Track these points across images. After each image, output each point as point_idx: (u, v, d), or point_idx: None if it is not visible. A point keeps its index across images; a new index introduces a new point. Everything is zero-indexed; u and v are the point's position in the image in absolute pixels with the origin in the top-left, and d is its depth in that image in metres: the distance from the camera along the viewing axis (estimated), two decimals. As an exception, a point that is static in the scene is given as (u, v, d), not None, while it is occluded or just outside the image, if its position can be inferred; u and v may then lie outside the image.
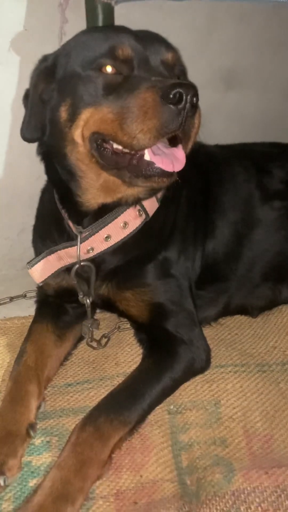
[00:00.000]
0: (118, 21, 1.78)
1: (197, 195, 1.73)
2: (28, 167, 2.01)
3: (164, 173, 1.23)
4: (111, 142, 1.29)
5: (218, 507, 1.19)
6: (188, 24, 2.32)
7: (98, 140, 1.31)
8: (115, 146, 1.29)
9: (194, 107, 1.19)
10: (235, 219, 1.77)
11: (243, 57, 2.61)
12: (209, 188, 1.78)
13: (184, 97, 1.15)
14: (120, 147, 1.28)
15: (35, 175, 1.60)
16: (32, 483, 1.27)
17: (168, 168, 1.23)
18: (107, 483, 1.28)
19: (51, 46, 1.52)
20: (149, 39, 1.38)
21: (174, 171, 1.24)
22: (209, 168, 1.82)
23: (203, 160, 1.83)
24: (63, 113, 1.36)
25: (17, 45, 1.89)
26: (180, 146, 1.26)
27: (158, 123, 1.17)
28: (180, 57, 1.45)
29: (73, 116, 1.33)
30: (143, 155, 1.24)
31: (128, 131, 1.20)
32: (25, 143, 1.52)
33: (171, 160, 1.23)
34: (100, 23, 1.77)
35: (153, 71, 1.30)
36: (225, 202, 1.77)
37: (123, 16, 1.79)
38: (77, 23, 1.68)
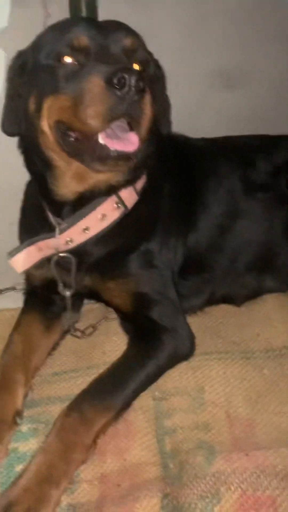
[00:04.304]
0: (102, 16, 1.80)
1: (180, 187, 1.75)
2: (15, 160, 2.03)
3: (118, 156, 1.25)
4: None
5: (199, 488, 1.21)
6: (174, 19, 2.33)
7: (62, 128, 1.34)
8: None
9: (141, 91, 1.20)
10: (219, 211, 1.80)
11: (230, 53, 2.62)
12: (193, 181, 1.80)
13: (127, 81, 1.17)
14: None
15: (22, 168, 1.63)
16: (18, 468, 1.30)
17: (119, 147, 1.24)
18: (92, 467, 1.31)
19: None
20: (110, 27, 1.40)
21: (129, 155, 1.26)
22: (193, 160, 1.84)
23: (187, 152, 1.85)
24: (32, 104, 1.40)
25: (2, 40, 1.90)
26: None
27: (104, 108, 1.20)
28: (143, 43, 1.46)
29: (39, 106, 1.37)
30: (97, 140, 1.26)
31: (80, 117, 1.24)
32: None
33: (123, 142, 1.26)
34: (84, 18, 1.79)
35: (110, 59, 1.31)
36: (208, 194, 1.79)
37: (107, 11, 1.80)
38: (61, 17, 1.70)
